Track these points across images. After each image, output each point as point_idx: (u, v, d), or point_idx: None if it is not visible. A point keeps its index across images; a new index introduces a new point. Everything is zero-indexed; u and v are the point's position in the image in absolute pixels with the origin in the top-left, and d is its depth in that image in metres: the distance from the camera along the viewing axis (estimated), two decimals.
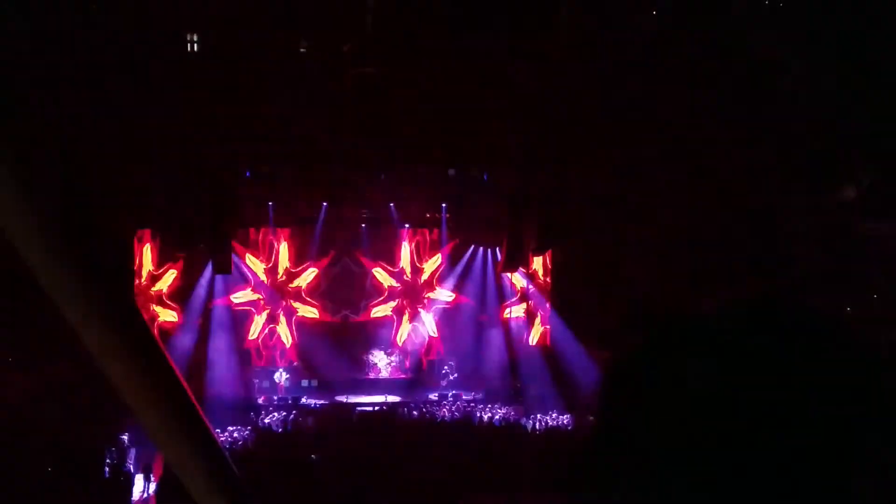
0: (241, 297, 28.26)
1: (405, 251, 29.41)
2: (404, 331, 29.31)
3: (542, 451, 22.36)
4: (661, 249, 25.84)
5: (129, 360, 0.90)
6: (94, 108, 22.80)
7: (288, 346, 28.38)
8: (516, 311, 29.50)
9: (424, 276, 29.65)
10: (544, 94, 24.47)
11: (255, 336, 28.22)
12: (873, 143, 24.80)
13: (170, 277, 27.07)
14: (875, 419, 0.83)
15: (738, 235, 25.74)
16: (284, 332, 28.46)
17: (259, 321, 28.35)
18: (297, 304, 28.66)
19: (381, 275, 29.26)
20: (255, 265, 28.45)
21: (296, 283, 28.69)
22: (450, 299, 29.67)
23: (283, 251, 28.63)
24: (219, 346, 27.13)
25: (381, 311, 29.38)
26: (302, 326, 28.71)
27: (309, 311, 28.73)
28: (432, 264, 29.58)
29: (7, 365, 23.30)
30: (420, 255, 29.71)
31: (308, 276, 28.73)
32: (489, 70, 23.71)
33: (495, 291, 29.73)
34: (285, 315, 28.53)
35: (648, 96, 24.77)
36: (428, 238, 29.64)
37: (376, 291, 29.40)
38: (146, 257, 26.75)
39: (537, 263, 29.30)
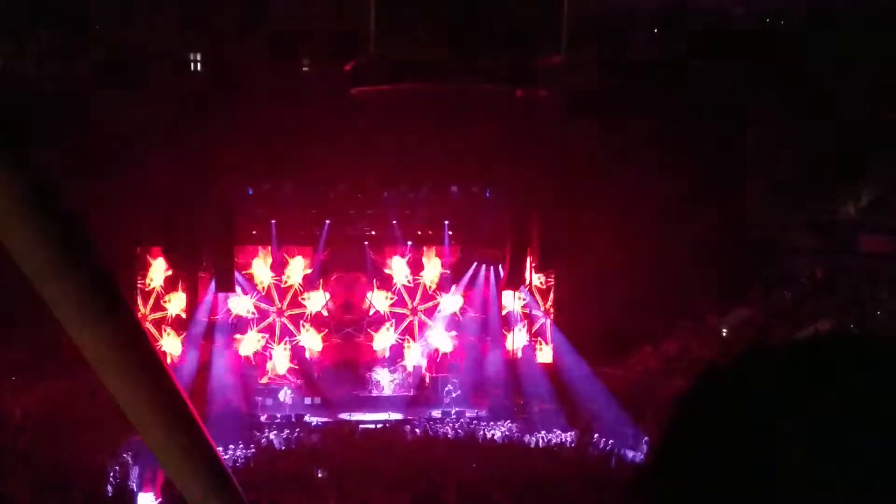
0: (238, 305, 27.92)
1: (404, 267, 29.18)
2: (412, 353, 29.08)
3: (545, 467, 22.31)
4: (665, 264, 25.82)
5: (132, 376, 0.90)
6: (97, 125, 22.89)
7: (282, 370, 28.07)
8: (519, 328, 29.42)
9: (425, 284, 29.36)
10: (549, 112, 24.52)
11: (247, 352, 27.93)
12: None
13: (177, 304, 27.01)
14: None
15: (744, 252, 25.75)
16: (281, 354, 28.18)
17: (252, 337, 28.07)
18: (301, 328, 28.42)
19: (379, 300, 28.96)
20: (259, 282, 28.35)
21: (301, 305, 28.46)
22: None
23: (294, 267, 28.38)
24: (222, 363, 27.06)
25: (383, 339, 29.10)
26: (305, 344, 28.58)
27: (311, 340, 28.41)
28: (432, 271, 29.26)
29: (10, 383, 23.28)
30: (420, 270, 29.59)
31: (316, 300, 28.45)
32: (492, 88, 23.78)
33: (498, 308, 29.67)
34: (284, 336, 28.34)
35: (654, 115, 24.86)
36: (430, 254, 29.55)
37: (378, 309, 29.27)
38: (155, 274, 26.76)
39: (540, 280, 29.26)
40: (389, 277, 29.11)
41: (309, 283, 28.56)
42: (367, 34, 20.96)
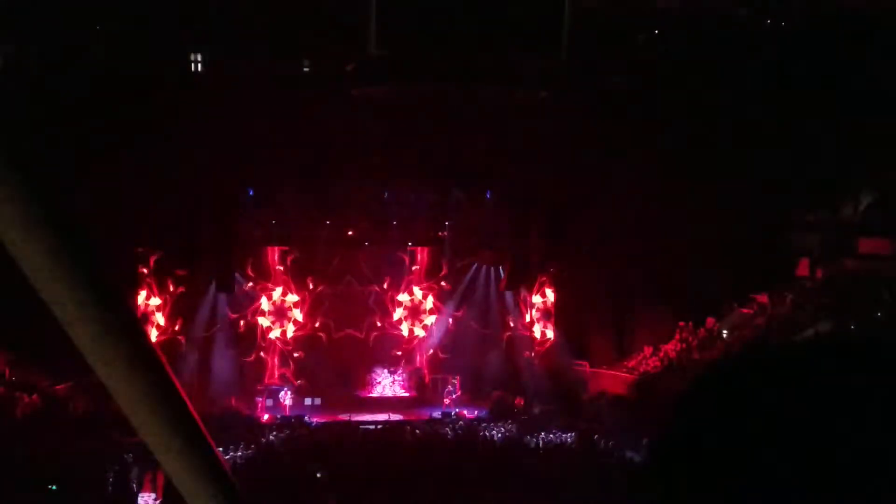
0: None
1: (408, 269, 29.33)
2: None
3: (545, 468, 22.31)
4: (666, 265, 25.82)
5: (132, 376, 0.90)
6: (97, 127, 22.90)
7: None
8: (519, 329, 29.42)
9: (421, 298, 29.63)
10: (549, 113, 24.52)
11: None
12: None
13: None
14: None
15: (745, 252, 25.75)
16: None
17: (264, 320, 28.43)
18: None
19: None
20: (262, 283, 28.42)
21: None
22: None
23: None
24: (222, 364, 27.06)
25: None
26: (305, 345, 28.62)
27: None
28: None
29: (9, 383, 23.29)
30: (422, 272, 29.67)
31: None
32: (493, 89, 23.79)
33: (498, 309, 29.67)
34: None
35: (655, 115, 24.85)
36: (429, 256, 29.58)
37: (380, 309, 29.34)
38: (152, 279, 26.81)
39: (541, 281, 29.25)
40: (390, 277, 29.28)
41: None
42: (368, 34, 20.98)
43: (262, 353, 28.29)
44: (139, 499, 19.92)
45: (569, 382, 27.40)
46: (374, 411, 27.04)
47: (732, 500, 0.87)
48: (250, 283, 28.11)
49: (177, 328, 26.99)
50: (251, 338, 28.20)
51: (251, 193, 27.05)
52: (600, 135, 24.97)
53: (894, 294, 24.93)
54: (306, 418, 26.18)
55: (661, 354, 27.64)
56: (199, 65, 25.04)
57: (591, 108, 24.82)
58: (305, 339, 28.66)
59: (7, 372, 23.43)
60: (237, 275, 27.47)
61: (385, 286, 29.23)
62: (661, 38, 25.78)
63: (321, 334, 28.78)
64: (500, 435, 25.08)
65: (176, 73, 24.44)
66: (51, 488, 18.67)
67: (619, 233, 26.14)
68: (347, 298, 29.16)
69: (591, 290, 27.46)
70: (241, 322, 28.04)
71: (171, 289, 26.96)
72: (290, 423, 25.55)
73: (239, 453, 22.55)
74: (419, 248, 29.37)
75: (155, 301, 26.76)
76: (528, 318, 29.44)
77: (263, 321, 28.26)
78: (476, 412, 27.27)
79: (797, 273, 27.54)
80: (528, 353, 29.12)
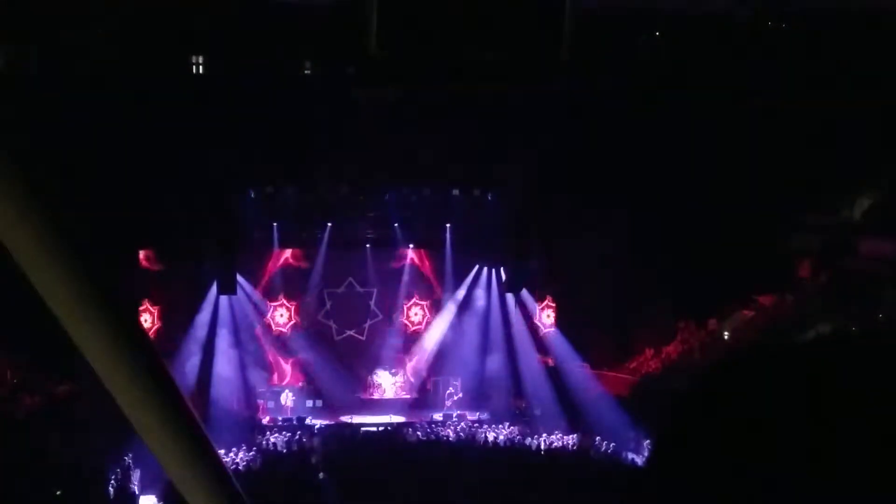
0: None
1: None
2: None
3: (547, 470, 22.32)
4: (668, 266, 25.80)
5: (132, 377, 0.90)
6: (99, 127, 22.90)
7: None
8: (521, 330, 29.39)
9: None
10: (551, 114, 24.53)
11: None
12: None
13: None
14: None
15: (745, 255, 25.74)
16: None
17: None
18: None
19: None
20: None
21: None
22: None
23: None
24: (224, 366, 27.06)
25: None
26: (307, 346, 28.62)
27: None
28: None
29: (10, 383, 23.29)
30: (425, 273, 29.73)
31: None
32: (495, 90, 23.78)
33: (499, 310, 29.65)
34: None
35: (656, 115, 24.86)
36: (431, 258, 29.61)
37: (381, 311, 29.34)
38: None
39: (542, 282, 29.24)
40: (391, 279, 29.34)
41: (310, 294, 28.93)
42: (368, 34, 20.96)
43: (263, 355, 28.30)
44: (140, 501, 19.93)
45: (570, 384, 27.37)
46: (376, 413, 27.05)
47: (733, 502, 0.87)
48: (251, 285, 28.16)
49: (178, 330, 26.98)
50: (252, 339, 28.22)
51: (252, 195, 27.04)
52: (600, 135, 24.96)
53: (894, 294, 24.91)
54: (308, 420, 26.19)
55: (663, 356, 27.63)
56: (200, 66, 25.05)
57: (591, 108, 24.81)
58: (307, 340, 28.67)
59: (8, 372, 23.43)
60: (239, 276, 27.47)
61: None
62: (661, 38, 25.78)
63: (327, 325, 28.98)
64: (501, 437, 25.08)
65: (176, 73, 24.45)
66: (56, 492, 18.67)
67: (621, 233, 26.10)
68: (348, 300, 29.18)
69: (593, 291, 27.43)
70: (243, 324, 28.05)
71: (173, 290, 26.96)
72: (292, 425, 25.56)
73: (241, 455, 22.55)
74: (420, 249, 29.39)
75: (156, 302, 26.76)
76: (528, 320, 29.42)
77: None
78: (477, 414, 27.27)
79: (797, 273, 27.53)
80: (529, 354, 29.10)
